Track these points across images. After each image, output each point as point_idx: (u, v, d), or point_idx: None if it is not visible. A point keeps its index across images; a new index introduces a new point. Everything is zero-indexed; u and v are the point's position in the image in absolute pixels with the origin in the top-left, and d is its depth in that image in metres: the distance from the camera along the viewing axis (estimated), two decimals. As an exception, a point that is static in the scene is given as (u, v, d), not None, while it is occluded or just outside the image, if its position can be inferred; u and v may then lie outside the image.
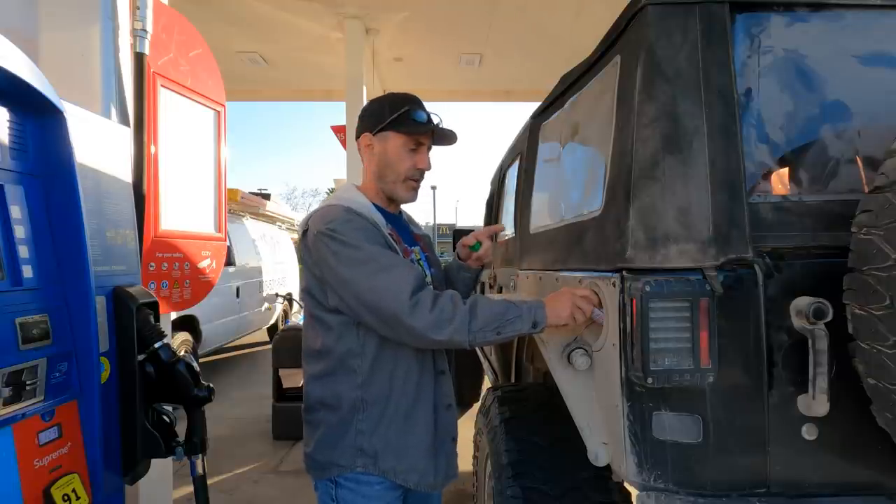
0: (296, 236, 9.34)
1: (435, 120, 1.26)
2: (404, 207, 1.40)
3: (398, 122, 1.21)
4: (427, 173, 1.30)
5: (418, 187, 1.30)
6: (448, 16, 5.71)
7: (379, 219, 1.20)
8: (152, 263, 1.94)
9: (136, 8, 1.82)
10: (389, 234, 1.20)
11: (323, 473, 1.20)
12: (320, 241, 1.13)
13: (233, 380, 5.79)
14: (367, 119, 1.26)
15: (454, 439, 1.31)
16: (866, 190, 0.91)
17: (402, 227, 1.35)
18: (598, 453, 1.10)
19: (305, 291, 1.22)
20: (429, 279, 1.30)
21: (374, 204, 1.26)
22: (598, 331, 1.15)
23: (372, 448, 1.17)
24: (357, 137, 1.29)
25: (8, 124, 1.10)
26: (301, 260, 1.25)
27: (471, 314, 1.07)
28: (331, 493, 1.19)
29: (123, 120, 1.82)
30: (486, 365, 3.01)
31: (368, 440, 1.17)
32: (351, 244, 1.11)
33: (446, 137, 1.28)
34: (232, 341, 6.33)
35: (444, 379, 1.29)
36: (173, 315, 2.62)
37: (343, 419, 1.19)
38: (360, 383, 1.18)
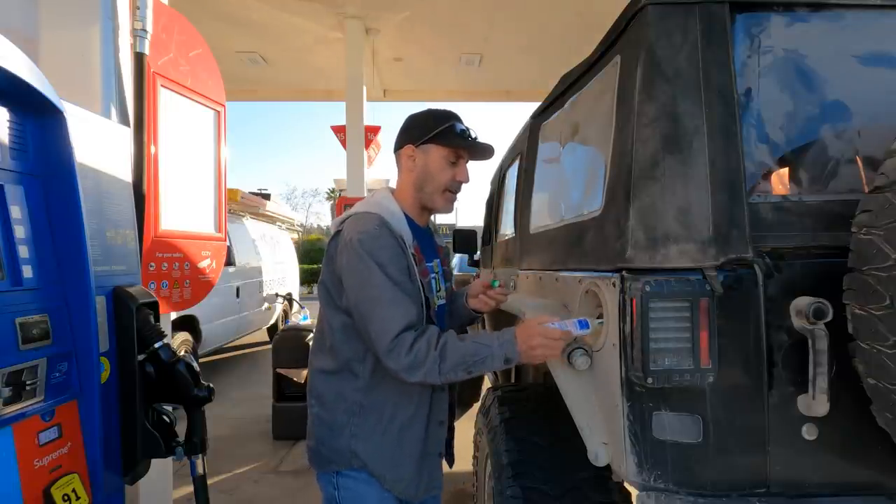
0: (296, 236, 9.34)
1: (473, 135, 1.31)
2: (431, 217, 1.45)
3: (442, 135, 1.26)
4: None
5: (455, 199, 1.34)
6: (448, 16, 5.71)
7: (406, 234, 1.23)
8: (152, 263, 1.94)
9: (136, 8, 1.82)
10: (413, 251, 1.23)
11: (323, 467, 1.25)
12: (348, 248, 1.17)
13: (233, 380, 5.78)
14: (410, 131, 1.30)
15: (441, 454, 1.35)
16: (866, 190, 0.91)
17: (428, 239, 1.38)
18: (598, 453, 1.10)
19: (322, 284, 1.27)
20: (442, 293, 1.39)
21: (406, 214, 1.29)
22: (597, 330, 1.15)
23: (366, 454, 1.21)
24: (398, 149, 1.33)
25: (8, 124, 1.09)
26: (325, 253, 1.29)
27: (440, 358, 1.10)
28: (332, 481, 1.24)
29: (123, 120, 1.82)
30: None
31: (363, 446, 1.21)
32: (369, 264, 1.14)
33: (484, 151, 1.32)
34: (232, 341, 6.34)
35: (441, 396, 1.32)
36: (173, 315, 2.62)
37: (338, 420, 1.23)
38: (360, 387, 1.22)
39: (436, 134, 1.26)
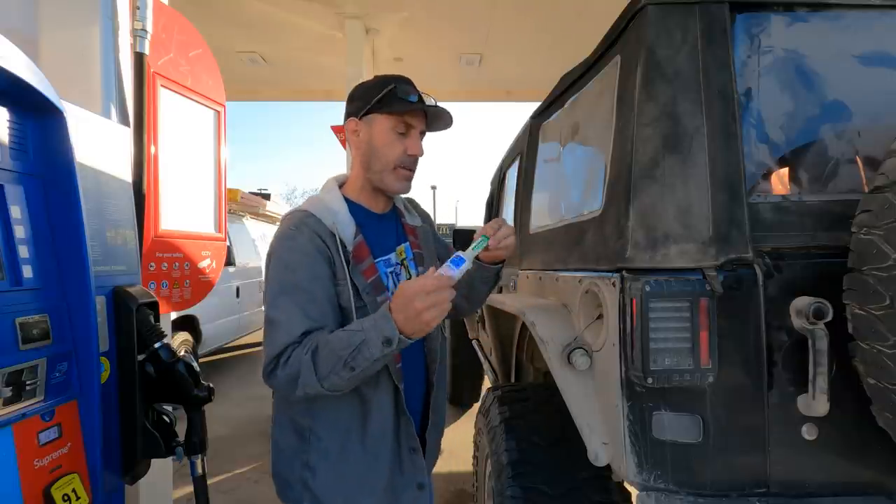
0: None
1: (429, 101, 1.11)
2: (408, 194, 1.24)
3: (384, 102, 1.08)
4: (427, 173, 1.21)
5: (411, 177, 1.15)
6: (448, 16, 5.71)
7: (344, 230, 1.07)
8: (152, 263, 1.93)
9: (136, 8, 1.82)
10: (353, 249, 1.07)
11: (283, 499, 1.15)
12: (270, 250, 1.08)
13: (233, 380, 5.78)
14: (353, 102, 1.13)
15: (421, 485, 1.15)
16: (866, 190, 0.91)
17: (388, 226, 1.20)
18: (598, 453, 1.10)
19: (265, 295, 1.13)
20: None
21: (357, 204, 1.15)
22: (597, 330, 1.15)
23: (318, 488, 1.08)
24: (344, 124, 1.16)
25: (8, 124, 1.09)
26: None
27: (313, 361, 0.94)
28: None
29: (123, 120, 1.82)
30: (486, 365, 3.01)
31: (314, 478, 1.08)
32: (271, 275, 1.04)
33: (440, 119, 1.14)
34: (232, 341, 6.33)
35: (405, 420, 1.12)
36: (173, 315, 2.62)
37: (290, 446, 1.11)
38: (308, 409, 1.09)
39: (377, 101, 1.08)
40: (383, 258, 1.15)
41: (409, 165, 1.12)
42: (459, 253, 0.98)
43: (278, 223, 1.15)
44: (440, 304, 0.89)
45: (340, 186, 1.18)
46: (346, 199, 1.14)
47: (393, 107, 1.08)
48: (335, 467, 1.08)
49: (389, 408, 1.11)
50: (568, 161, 1.60)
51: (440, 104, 1.12)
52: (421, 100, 1.09)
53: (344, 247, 1.06)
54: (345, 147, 6.08)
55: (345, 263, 1.05)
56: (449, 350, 3.79)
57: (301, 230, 1.05)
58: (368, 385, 1.07)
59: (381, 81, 1.11)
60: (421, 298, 0.88)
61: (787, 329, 0.98)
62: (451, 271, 0.94)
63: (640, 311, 0.97)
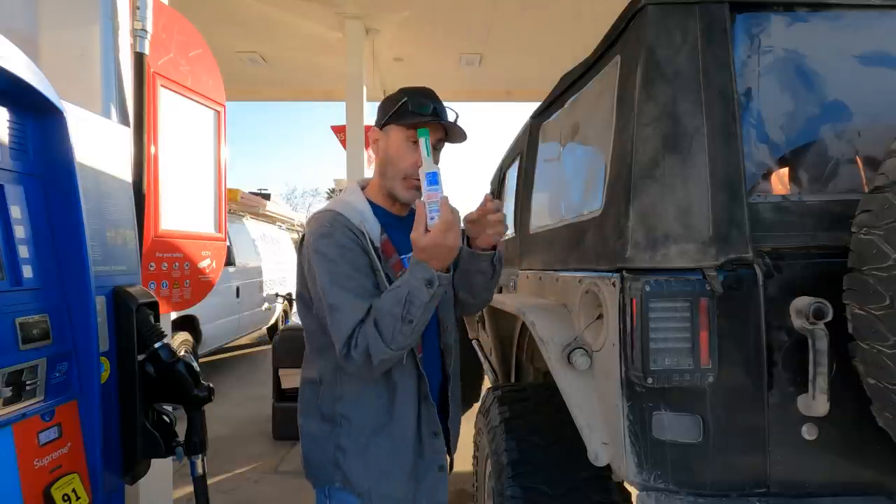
0: (296, 236, 9.39)
1: (451, 116, 1.16)
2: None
3: (398, 114, 1.15)
4: None
5: (419, 187, 1.16)
6: (448, 16, 5.71)
7: (371, 228, 1.14)
8: (152, 263, 1.93)
9: (136, 8, 1.82)
10: (380, 245, 1.14)
11: (314, 481, 1.21)
12: (306, 254, 1.13)
13: (233, 380, 5.78)
14: (378, 113, 1.21)
15: (442, 467, 1.21)
16: (866, 190, 0.91)
17: (406, 227, 1.26)
18: (598, 453, 1.10)
19: (299, 296, 1.21)
20: None
21: (377, 205, 1.21)
22: (597, 330, 1.15)
23: (349, 468, 1.14)
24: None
25: (8, 124, 1.09)
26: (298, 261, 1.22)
27: (377, 329, 1.01)
28: (325, 494, 1.20)
29: (123, 120, 1.82)
30: (486, 365, 3.01)
31: (345, 458, 1.15)
32: (321, 268, 1.09)
33: (456, 131, 1.17)
34: (232, 341, 6.34)
35: (427, 405, 1.18)
36: (173, 315, 2.62)
37: (322, 431, 1.18)
38: (338, 397, 1.17)
39: (393, 113, 1.15)
40: (405, 255, 1.20)
41: (418, 176, 1.15)
42: (422, 172, 1.04)
43: (307, 225, 1.20)
44: (455, 231, 1.00)
45: (362, 189, 1.25)
46: (368, 202, 1.21)
47: (405, 119, 1.14)
48: (363, 452, 1.15)
49: (413, 394, 1.17)
50: (568, 161, 1.60)
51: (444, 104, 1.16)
52: (435, 112, 1.13)
53: (372, 243, 1.13)
54: (345, 147, 6.09)
55: (376, 257, 1.13)
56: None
57: (334, 226, 1.11)
58: (395, 372, 1.15)
59: (398, 94, 1.17)
60: (445, 236, 0.98)
61: (787, 329, 0.98)
62: (437, 191, 1.02)
63: (640, 311, 0.97)
